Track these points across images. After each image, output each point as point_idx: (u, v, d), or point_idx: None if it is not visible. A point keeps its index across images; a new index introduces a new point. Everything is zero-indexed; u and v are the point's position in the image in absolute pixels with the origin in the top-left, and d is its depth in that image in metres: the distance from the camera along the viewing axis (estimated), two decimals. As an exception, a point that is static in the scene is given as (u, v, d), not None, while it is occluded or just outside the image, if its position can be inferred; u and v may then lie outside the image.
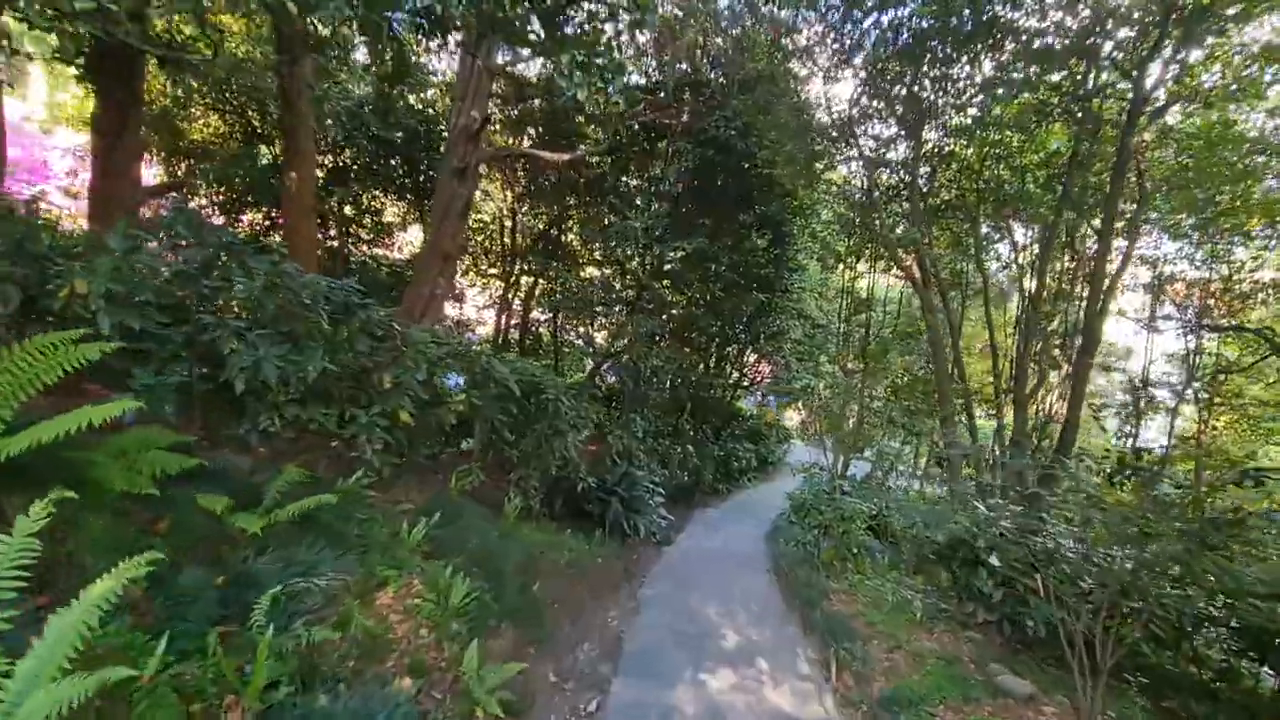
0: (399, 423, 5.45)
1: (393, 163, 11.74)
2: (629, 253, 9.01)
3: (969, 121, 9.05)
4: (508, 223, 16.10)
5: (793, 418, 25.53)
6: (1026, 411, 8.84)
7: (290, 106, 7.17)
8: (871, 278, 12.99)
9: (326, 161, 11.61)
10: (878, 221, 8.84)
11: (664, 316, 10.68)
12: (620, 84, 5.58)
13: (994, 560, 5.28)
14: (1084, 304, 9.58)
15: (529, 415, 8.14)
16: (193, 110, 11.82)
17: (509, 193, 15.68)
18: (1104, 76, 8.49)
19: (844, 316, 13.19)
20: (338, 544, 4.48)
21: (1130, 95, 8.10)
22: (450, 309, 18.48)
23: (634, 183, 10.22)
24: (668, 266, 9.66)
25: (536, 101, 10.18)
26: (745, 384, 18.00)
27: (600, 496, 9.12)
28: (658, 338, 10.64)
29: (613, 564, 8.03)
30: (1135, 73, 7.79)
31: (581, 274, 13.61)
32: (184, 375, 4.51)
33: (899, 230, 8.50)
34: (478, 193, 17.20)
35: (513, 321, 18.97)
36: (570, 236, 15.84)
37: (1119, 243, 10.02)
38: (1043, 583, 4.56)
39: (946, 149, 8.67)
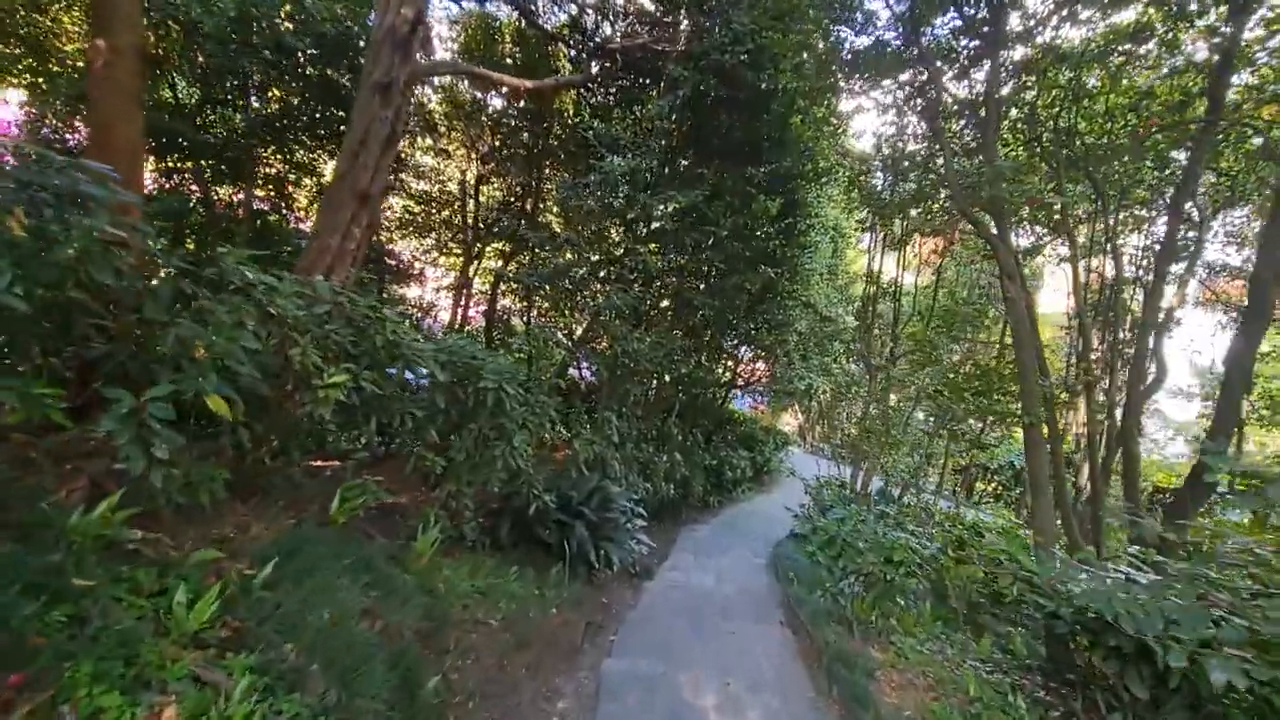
0: (230, 416, 3.28)
1: (299, 83, 9.49)
2: (609, 205, 6.94)
3: (1039, 53, 7.08)
4: (470, 190, 13.95)
5: (789, 422, 23.56)
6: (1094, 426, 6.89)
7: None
8: (901, 257, 11.04)
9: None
10: (941, 160, 6.81)
11: (650, 289, 8.60)
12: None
13: (1175, 660, 3.29)
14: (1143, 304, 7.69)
15: (462, 410, 6.00)
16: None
17: (472, 154, 13.52)
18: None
19: (868, 304, 11.17)
20: (17, 643, 2.32)
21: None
22: (412, 290, 16.28)
23: (617, 130, 8.11)
24: (655, 225, 7.59)
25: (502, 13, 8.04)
26: (740, 384, 15.96)
27: (561, 519, 6.98)
28: (642, 315, 8.57)
29: (571, 616, 5.89)
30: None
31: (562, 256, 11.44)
32: None
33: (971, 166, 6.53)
34: (433, 156, 15.11)
35: (478, 308, 16.79)
36: (549, 216, 13.71)
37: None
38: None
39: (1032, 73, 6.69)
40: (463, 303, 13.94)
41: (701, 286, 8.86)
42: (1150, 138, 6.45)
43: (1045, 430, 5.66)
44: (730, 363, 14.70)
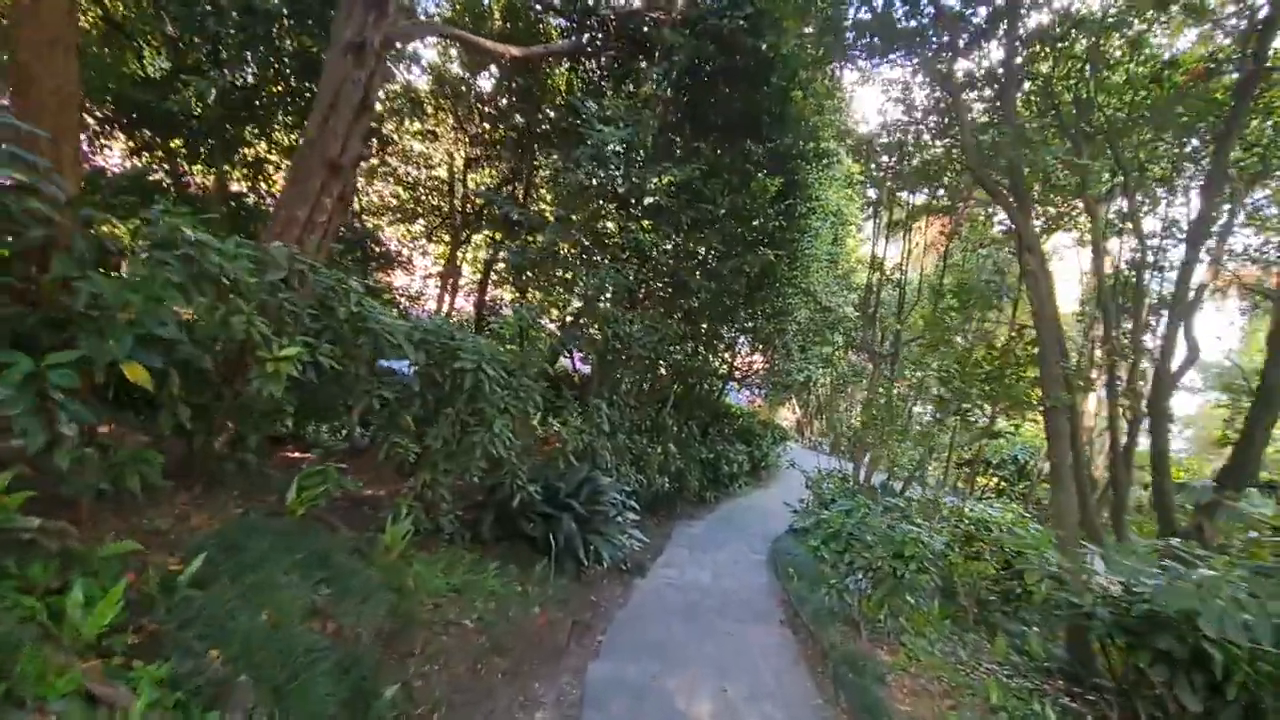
0: (150, 387, 2.85)
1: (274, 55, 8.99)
2: (601, 180, 6.49)
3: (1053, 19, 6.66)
4: (458, 174, 13.47)
5: (787, 417, 23.17)
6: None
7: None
8: (906, 241, 10.58)
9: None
10: (956, 128, 6.36)
11: (644, 270, 8.11)
12: None
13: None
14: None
15: (439, 394, 5.57)
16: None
17: (460, 137, 13.03)
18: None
19: (871, 291, 10.69)
20: None
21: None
22: (400, 277, 15.77)
23: (610, 105, 7.61)
24: (650, 200, 7.12)
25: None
26: (736, 376, 15.53)
27: (547, 512, 6.55)
28: (636, 298, 8.11)
29: (556, 615, 5.46)
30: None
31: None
32: None
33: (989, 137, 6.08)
34: (420, 140, 14.59)
35: (469, 298, 16.29)
36: (543, 205, 13.24)
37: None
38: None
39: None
40: (450, 290, 13.43)
41: (698, 274, 8.41)
42: (1180, 103, 6.04)
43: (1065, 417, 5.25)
44: (727, 354, 14.27)
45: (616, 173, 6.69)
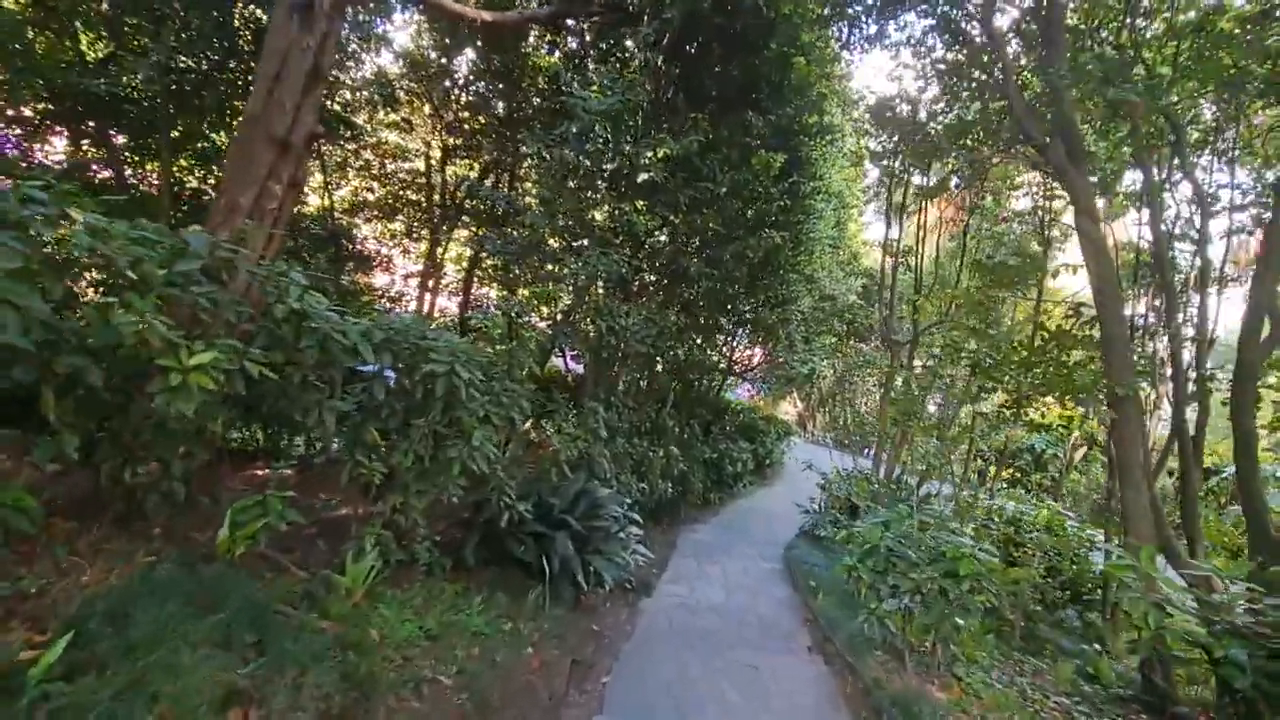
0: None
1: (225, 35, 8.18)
2: (588, 155, 5.75)
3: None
4: (435, 165, 12.65)
5: (788, 411, 22.50)
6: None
7: None
8: (922, 217, 9.86)
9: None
10: (981, 87, 5.65)
11: (639, 256, 7.33)
12: None
13: None
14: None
15: (408, 403, 4.80)
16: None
17: (437, 125, 12.20)
18: None
19: (883, 276, 9.95)
20: None
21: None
22: (380, 279, 14.91)
23: (595, 75, 6.83)
24: (643, 176, 6.36)
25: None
26: (736, 370, 14.81)
27: (540, 531, 5.79)
28: (630, 289, 7.35)
29: (552, 655, 4.71)
30: None
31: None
32: None
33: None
34: (397, 133, 13.73)
35: (454, 298, 15.46)
36: (529, 199, 12.45)
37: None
38: None
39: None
40: (431, 290, 12.62)
41: (697, 260, 7.66)
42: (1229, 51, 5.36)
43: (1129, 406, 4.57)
44: (726, 348, 13.55)
45: (606, 148, 5.94)
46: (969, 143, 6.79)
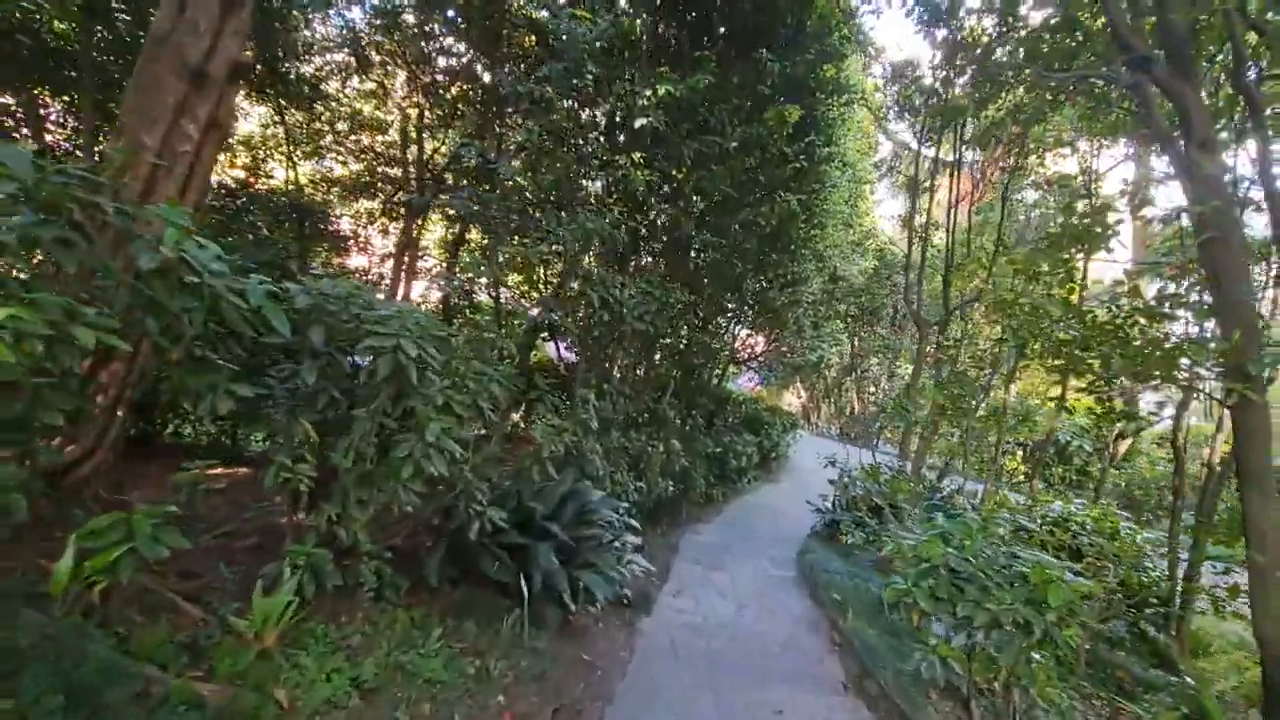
0: None
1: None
2: (577, 106, 4.78)
3: None
4: (412, 135, 11.60)
5: (791, 401, 21.59)
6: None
7: None
8: (955, 180, 8.89)
9: None
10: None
11: (636, 220, 6.33)
12: None
13: None
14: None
15: (349, 389, 3.87)
16: None
17: (414, 89, 11.13)
18: None
19: (911, 247, 8.95)
20: None
21: None
22: (353, 260, 13.86)
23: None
24: (641, 122, 5.37)
25: None
26: (738, 358, 13.87)
27: (518, 543, 4.86)
28: (626, 257, 6.41)
29: (530, 700, 3.79)
30: None
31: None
32: None
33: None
34: (370, 104, 12.64)
35: (436, 283, 14.40)
36: (520, 180, 11.40)
37: None
38: None
39: None
40: (407, 273, 11.60)
41: (700, 229, 6.69)
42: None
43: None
44: (729, 334, 12.61)
45: (598, 90, 4.95)
46: (1048, 60, 5.70)
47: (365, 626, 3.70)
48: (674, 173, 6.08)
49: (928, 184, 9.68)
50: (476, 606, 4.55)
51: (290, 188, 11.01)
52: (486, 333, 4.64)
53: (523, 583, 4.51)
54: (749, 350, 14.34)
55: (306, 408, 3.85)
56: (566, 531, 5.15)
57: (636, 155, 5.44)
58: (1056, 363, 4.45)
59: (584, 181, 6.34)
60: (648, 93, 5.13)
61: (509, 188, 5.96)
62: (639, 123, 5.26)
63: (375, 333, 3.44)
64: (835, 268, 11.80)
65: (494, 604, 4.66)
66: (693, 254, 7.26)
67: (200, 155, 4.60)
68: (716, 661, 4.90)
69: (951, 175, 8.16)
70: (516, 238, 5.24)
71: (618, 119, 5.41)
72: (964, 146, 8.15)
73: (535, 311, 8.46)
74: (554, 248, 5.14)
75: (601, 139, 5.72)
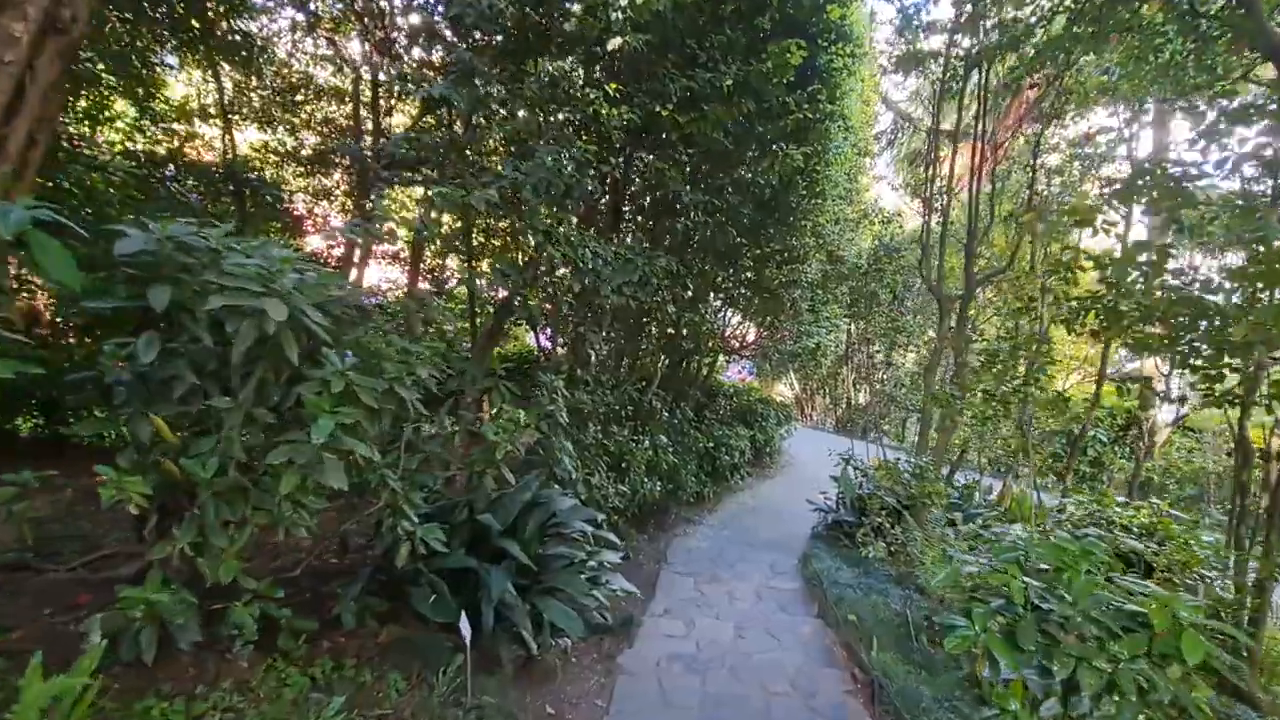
0: None
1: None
2: (535, 15, 3.75)
3: None
4: (364, 103, 10.42)
5: (783, 393, 20.72)
6: None
7: None
8: (980, 138, 7.96)
9: None
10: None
11: (610, 162, 5.27)
12: None
13: None
14: None
15: (220, 373, 2.84)
16: None
17: (370, 47, 9.96)
18: None
19: (933, 209, 7.98)
20: None
21: None
22: (310, 241, 12.67)
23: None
24: (615, 42, 4.30)
25: None
26: (730, 347, 12.91)
27: (464, 567, 3.86)
28: (597, 211, 5.38)
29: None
30: None
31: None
32: None
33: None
34: (324, 69, 11.43)
35: (404, 270, 13.26)
36: (494, 159, 10.30)
37: None
38: None
39: None
40: (363, 256, 10.47)
41: (689, 187, 5.68)
42: None
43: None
44: (720, 320, 11.65)
45: None
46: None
47: (234, 696, 2.68)
48: (658, 109, 5.05)
49: (945, 149, 8.77)
50: (408, 653, 3.54)
51: (227, 157, 9.81)
52: (417, 300, 3.60)
53: (464, 620, 3.50)
54: (740, 339, 13.42)
55: (159, 398, 2.81)
56: (528, 550, 4.16)
57: (612, 86, 4.42)
58: (1122, 337, 3.55)
59: (551, 119, 5.23)
60: (616, 13, 4.08)
61: (459, 134, 4.90)
62: (613, 43, 4.24)
63: (226, 288, 2.40)
64: (837, 246, 10.86)
65: (433, 645, 3.66)
66: (680, 221, 6.24)
67: (34, 71, 3.50)
68: (716, 705, 3.94)
69: (978, 121, 7.20)
70: (459, 181, 4.18)
71: (586, 36, 4.33)
72: (988, 98, 7.23)
73: (504, 293, 7.41)
74: (509, 196, 4.08)
75: (569, 66, 4.64)
